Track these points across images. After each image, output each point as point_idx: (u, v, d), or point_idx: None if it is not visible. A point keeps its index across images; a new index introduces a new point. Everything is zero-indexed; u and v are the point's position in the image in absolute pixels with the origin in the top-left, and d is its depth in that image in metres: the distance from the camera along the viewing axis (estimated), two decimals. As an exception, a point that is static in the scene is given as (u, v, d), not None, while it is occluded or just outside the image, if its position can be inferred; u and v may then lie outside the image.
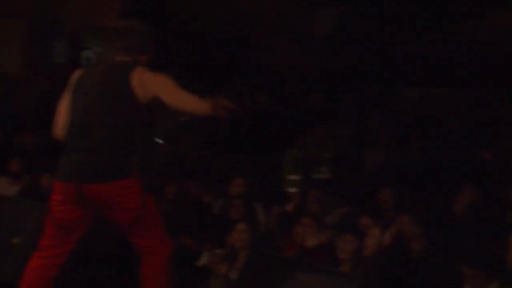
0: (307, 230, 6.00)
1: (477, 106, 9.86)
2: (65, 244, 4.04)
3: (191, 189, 7.56)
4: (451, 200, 6.70)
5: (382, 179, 8.02)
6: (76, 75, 4.15)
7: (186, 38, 13.38)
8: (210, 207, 7.43)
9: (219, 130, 9.78)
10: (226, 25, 13.74)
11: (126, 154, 3.93)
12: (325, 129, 8.86)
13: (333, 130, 9.18)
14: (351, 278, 4.80)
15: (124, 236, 4.19)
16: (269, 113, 10.00)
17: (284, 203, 7.58)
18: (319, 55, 13.76)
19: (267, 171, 8.74)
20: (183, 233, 6.42)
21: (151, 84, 3.92)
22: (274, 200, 7.62)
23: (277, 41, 13.74)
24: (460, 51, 11.72)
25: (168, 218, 5.20)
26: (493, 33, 11.41)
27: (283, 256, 5.96)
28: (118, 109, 3.91)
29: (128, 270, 5.05)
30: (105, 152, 3.88)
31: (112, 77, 4.01)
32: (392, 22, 12.59)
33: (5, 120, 9.98)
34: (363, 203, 7.16)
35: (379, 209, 6.74)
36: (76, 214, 3.96)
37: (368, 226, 6.08)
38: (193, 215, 6.93)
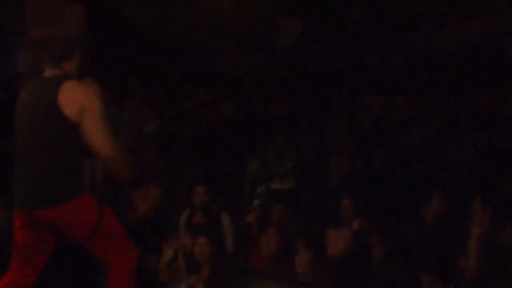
0: (271, 240, 5.96)
1: (438, 112, 9.94)
2: (31, 265, 4.05)
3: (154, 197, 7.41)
4: (421, 207, 6.67)
5: (345, 188, 8.05)
6: (20, 95, 4.09)
7: (145, 48, 13.36)
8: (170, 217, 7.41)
9: (182, 139, 9.80)
10: (186, 33, 13.85)
11: (69, 174, 3.88)
12: (286, 138, 8.89)
13: (295, 139, 9.20)
14: (312, 287, 4.85)
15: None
16: (231, 122, 9.98)
17: (246, 214, 7.54)
18: (281, 64, 14.01)
19: (229, 182, 8.76)
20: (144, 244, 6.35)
21: (76, 104, 3.84)
22: (237, 211, 7.60)
23: (238, 49, 13.91)
24: (421, 58, 11.90)
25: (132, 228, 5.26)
26: (453, 39, 11.60)
27: (246, 266, 5.99)
28: (49, 131, 3.85)
29: (92, 280, 5.11)
30: (47, 177, 3.85)
31: (40, 97, 3.91)
32: (354, 31, 12.70)
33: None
34: (326, 214, 7.18)
35: (341, 218, 6.73)
36: (31, 240, 3.96)
37: (329, 236, 6.06)
38: (155, 225, 6.83)
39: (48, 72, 3.99)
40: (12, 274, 4.06)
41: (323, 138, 9.78)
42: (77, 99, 3.82)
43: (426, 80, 11.41)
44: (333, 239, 5.50)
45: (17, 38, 12.14)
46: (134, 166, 4.04)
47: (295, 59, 13.79)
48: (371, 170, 8.47)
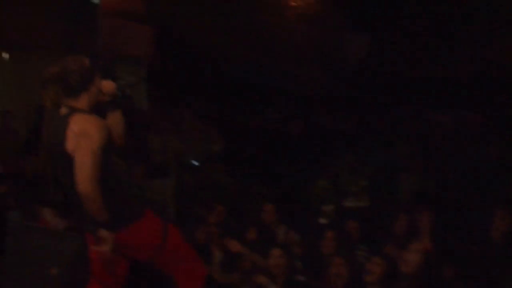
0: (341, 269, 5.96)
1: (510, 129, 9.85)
2: (116, 275, 4.12)
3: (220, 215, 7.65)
4: (489, 225, 6.60)
5: (416, 206, 7.99)
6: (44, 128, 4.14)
7: (215, 68, 13.50)
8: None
9: (250, 158, 9.87)
10: (254, 53, 13.91)
11: (114, 201, 3.84)
12: (357, 156, 8.88)
13: (366, 157, 9.18)
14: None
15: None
16: (300, 140, 10.05)
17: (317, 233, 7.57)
18: (350, 81, 13.91)
19: (297, 200, 8.78)
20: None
21: (76, 139, 3.79)
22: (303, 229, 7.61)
23: (307, 68, 13.87)
24: (493, 72, 11.75)
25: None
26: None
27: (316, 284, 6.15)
28: (68, 166, 3.81)
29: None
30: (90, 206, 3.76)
31: (55, 135, 3.91)
32: (425, 46, 12.64)
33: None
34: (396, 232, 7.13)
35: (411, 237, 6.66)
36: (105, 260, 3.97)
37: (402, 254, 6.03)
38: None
39: (63, 108, 3.97)
40: (97, 280, 4.11)
41: (393, 156, 9.73)
42: (73, 133, 3.81)
43: (498, 95, 11.19)
44: (405, 257, 5.53)
45: (89, 59, 12.59)
46: (102, 211, 3.80)
47: (364, 75, 13.49)
48: (443, 188, 8.40)
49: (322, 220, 8.07)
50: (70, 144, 3.78)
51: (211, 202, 7.99)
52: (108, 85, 4.15)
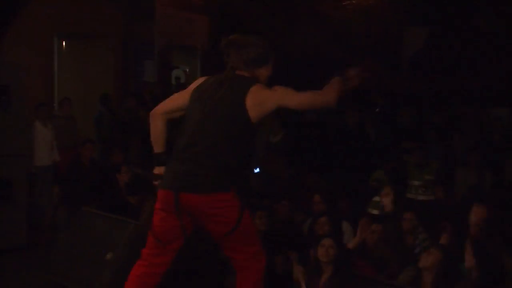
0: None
1: None
2: (164, 254, 4.11)
3: (282, 209, 7.66)
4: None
5: (472, 201, 7.93)
6: (195, 84, 4.24)
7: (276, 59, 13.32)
8: (299, 226, 7.50)
9: (308, 149, 10.00)
10: (315, 46, 14.10)
11: (228, 169, 3.97)
12: (423, 150, 8.82)
13: (427, 151, 9.14)
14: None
15: (216, 249, 4.32)
16: (358, 132, 10.09)
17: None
18: (408, 75, 14.04)
19: (354, 191, 8.76)
20: (275, 252, 6.48)
21: (269, 102, 4.01)
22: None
23: (367, 62, 13.71)
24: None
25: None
26: None
27: (364, 274, 5.98)
28: (229, 127, 3.97)
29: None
30: (209, 165, 3.93)
31: (228, 95, 4.05)
32: (482, 40, 12.51)
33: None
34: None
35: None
36: (172, 224, 4.03)
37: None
38: (284, 235, 6.97)
39: (238, 73, 4.13)
40: (144, 262, 4.16)
41: (450, 150, 9.73)
42: (266, 99, 4.01)
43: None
44: (468, 252, 5.44)
45: (145, 48, 12.68)
46: (333, 97, 4.06)
47: (421, 69, 13.93)
48: (501, 182, 8.34)
49: (374, 211, 8.01)
50: (254, 112, 3.97)
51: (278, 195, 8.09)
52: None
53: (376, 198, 8.07)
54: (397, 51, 14.83)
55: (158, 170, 4.24)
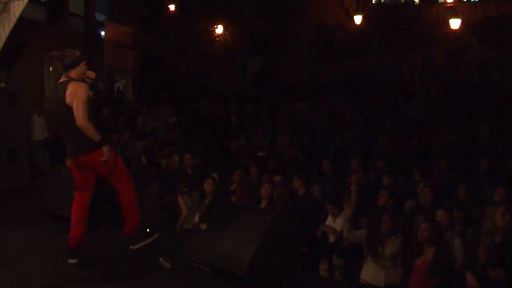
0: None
1: None
2: (86, 190, 5.43)
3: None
4: None
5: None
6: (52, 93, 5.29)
7: (173, 76, 17.64)
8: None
9: (192, 127, 12.77)
10: (198, 66, 18.68)
11: (82, 137, 4.98)
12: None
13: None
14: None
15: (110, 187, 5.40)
16: (224, 118, 13.09)
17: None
18: (250, 84, 18.21)
19: (221, 151, 11.02)
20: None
21: (72, 95, 4.90)
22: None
23: (225, 75, 17.88)
24: None
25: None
26: None
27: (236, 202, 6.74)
28: (67, 114, 4.99)
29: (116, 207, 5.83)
30: (75, 138, 5.09)
31: (59, 92, 5.04)
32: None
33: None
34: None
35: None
36: (79, 173, 5.31)
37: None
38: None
39: (62, 78, 5.08)
40: (78, 196, 5.38)
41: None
42: (72, 93, 4.91)
43: None
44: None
45: (98, 71, 11.59)
46: (96, 135, 4.90)
47: (258, 81, 18.57)
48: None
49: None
50: (69, 99, 4.88)
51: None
52: (91, 74, 5.41)
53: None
54: (243, 70, 19.87)
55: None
